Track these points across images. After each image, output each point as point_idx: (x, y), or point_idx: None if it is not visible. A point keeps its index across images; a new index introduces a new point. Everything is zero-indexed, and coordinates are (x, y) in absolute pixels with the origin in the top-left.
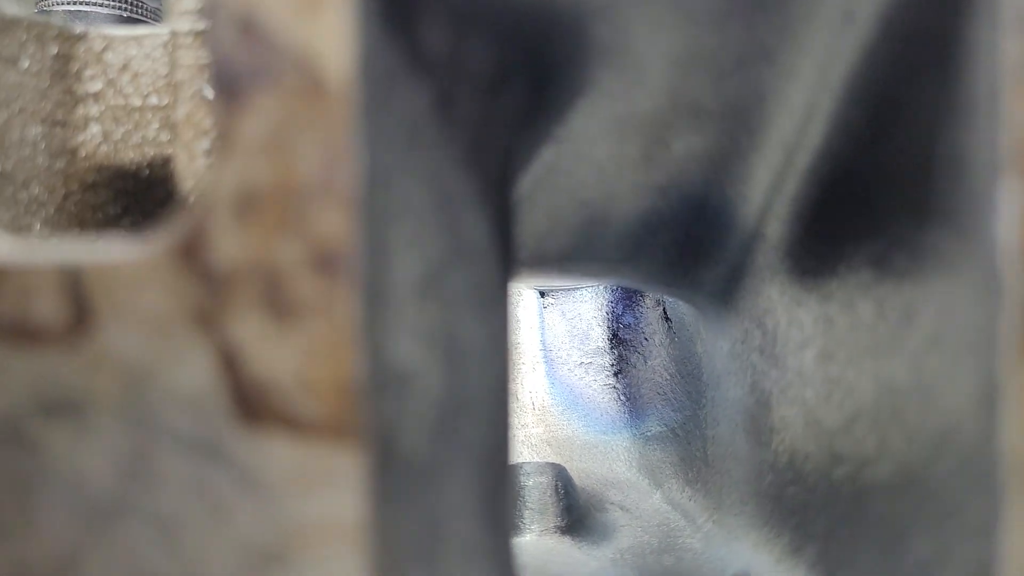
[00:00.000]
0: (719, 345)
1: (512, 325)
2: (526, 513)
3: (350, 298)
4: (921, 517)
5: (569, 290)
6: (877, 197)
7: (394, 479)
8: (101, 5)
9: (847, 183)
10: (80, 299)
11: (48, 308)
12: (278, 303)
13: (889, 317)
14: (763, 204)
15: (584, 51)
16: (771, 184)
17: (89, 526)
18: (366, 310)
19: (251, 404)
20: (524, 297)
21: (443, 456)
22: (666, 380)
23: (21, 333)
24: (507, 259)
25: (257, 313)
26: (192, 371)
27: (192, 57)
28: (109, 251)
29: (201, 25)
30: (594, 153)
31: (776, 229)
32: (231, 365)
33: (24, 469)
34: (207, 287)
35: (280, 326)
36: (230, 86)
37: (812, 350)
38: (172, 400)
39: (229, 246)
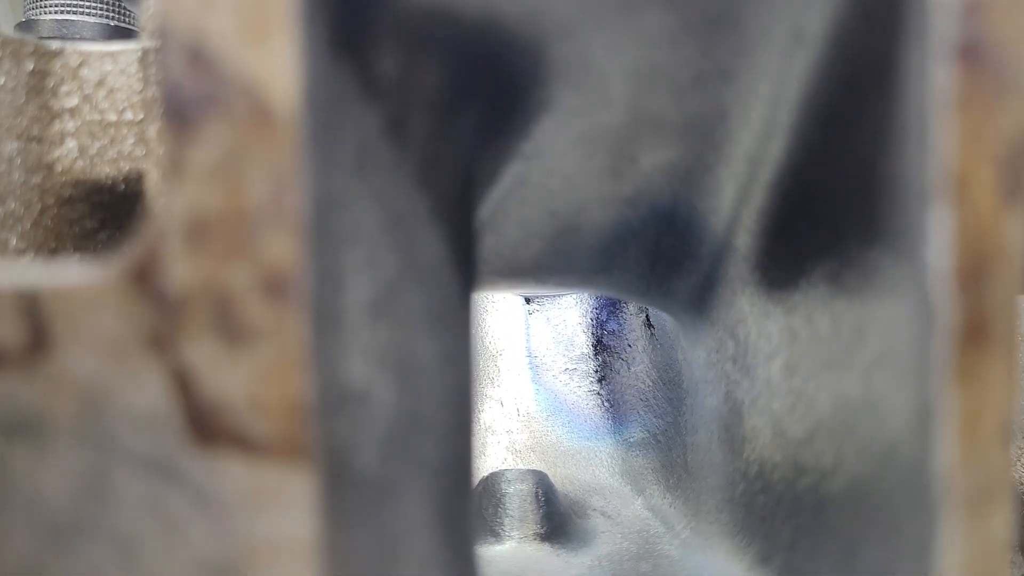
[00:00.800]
0: (696, 353)
1: (473, 339)
2: (506, 520)
3: (299, 321)
4: (871, 531)
5: (554, 297)
6: (831, 215)
7: (346, 498)
8: (88, 14)
9: (807, 199)
10: (38, 322)
11: (6, 331)
12: (230, 326)
13: (843, 333)
14: (731, 215)
15: (542, 70)
16: (738, 196)
17: (48, 544)
18: (316, 332)
19: (204, 425)
20: (509, 304)
21: (398, 473)
22: (648, 387)
23: None
24: (466, 275)
25: (209, 336)
26: (147, 393)
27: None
28: (66, 275)
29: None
30: (562, 166)
31: (745, 240)
32: (184, 387)
33: None
34: (160, 311)
35: (232, 349)
36: (179, 113)
37: (779, 361)
38: (128, 421)
39: (181, 271)
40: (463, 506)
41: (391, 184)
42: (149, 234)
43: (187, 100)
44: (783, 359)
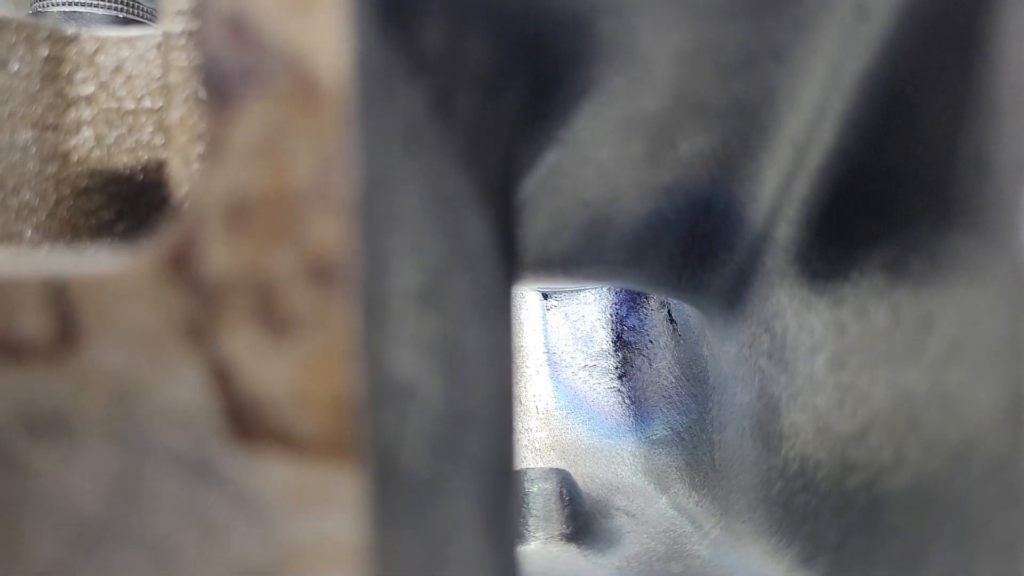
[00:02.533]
0: (726, 349)
1: (516, 330)
2: (530, 520)
3: (347, 309)
4: (942, 530)
5: (573, 292)
6: (892, 200)
7: (395, 498)
8: (96, 6)
9: (860, 184)
10: (65, 313)
11: (32, 322)
12: (272, 316)
13: (905, 324)
14: (772, 205)
15: (588, 49)
16: (780, 184)
17: (78, 549)
18: (364, 321)
19: (244, 421)
20: (527, 300)
21: (446, 471)
22: (671, 383)
23: (3, 349)
24: (510, 263)
25: (250, 326)
26: (183, 387)
27: (185, 59)
28: (95, 263)
29: (192, 25)
30: (598, 154)
31: (785, 231)
32: (223, 381)
33: (9, 491)
34: (197, 299)
35: (274, 340)
36: (220, 89)
37: (823, 356)
38: (162, 418)
39: (220, 256)
40: (507, 505)
41: (438, 165)
42: (186, 217)
43: (228, 74)
44: (828, 353)
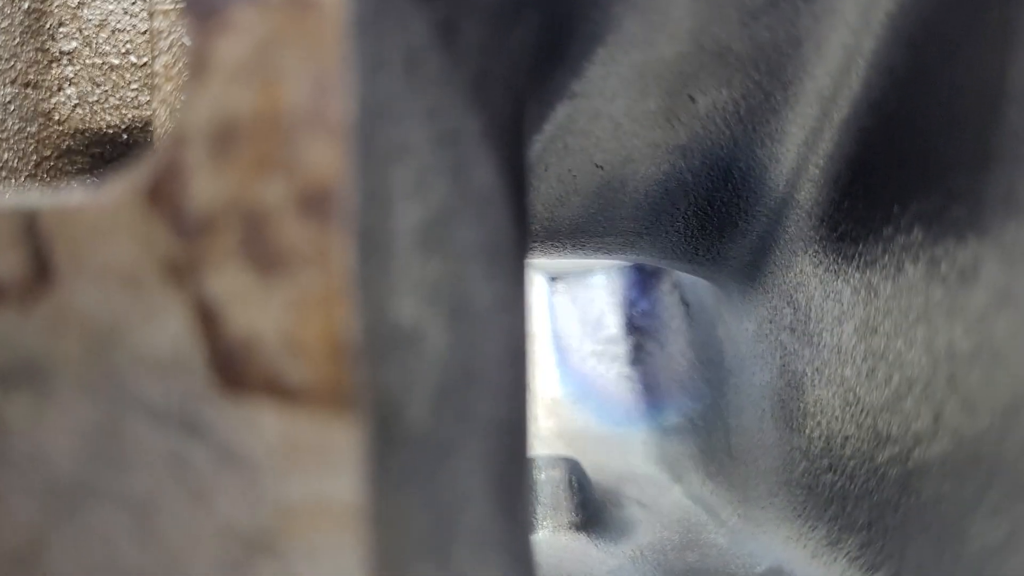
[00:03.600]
0: (743, 327)
1: (528, 286)
2: (539, 509)
3: (344, 245)
4: (987, 498)
5: (580, 275)
6: (929, 147)
7: (396, 456)
8: None
9: (892, 135)
10: (36, 250)
11: (2, 261)
12: (261, 252)
13: (945, 277)
14: (796, 165)
15: None
16: (805, 141)
17: (52, 510)
18: (362, 259)
19: (232, 369)
20: (533, 283)
21: (451, 430)
22: (684, 368)
23: None
24: (521, 211)
25: (237, 263)
26: (164, 331)
27: (172, 2)
28: (68, 196)
29: None
30: (611, 110)
31: (810, 193)
32: (208, 324)
33: None
34: (179, 234)
35: (264, 278)
36: (206, 1)
37: (851, 323)
38: (142, 365)
39: (204, 187)
40: (520, 473)
41: (442, 97)
42: (166, 143)
43: None
44: (858, 319)
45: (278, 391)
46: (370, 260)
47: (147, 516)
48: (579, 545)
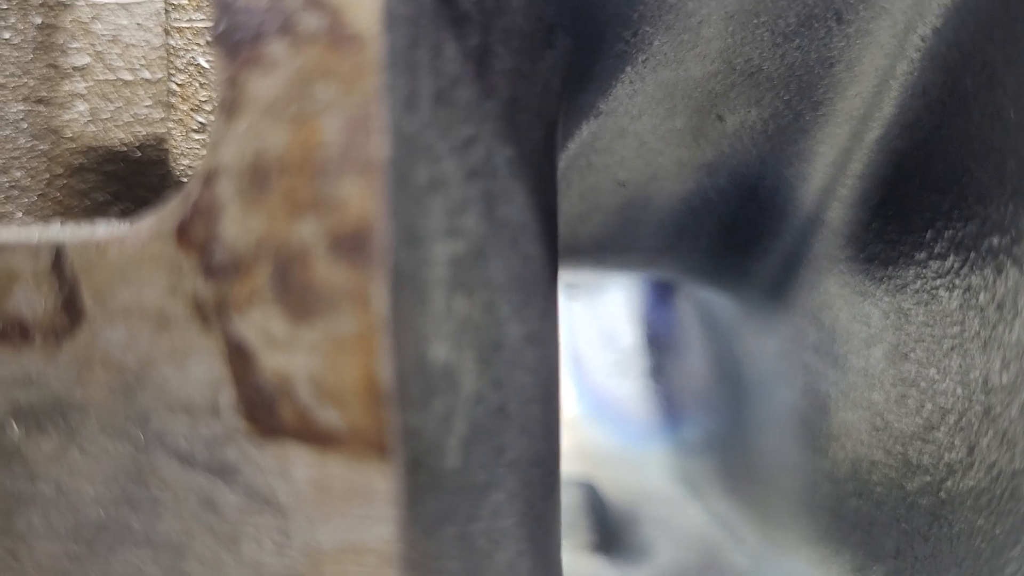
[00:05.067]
0: (765, 345)
1: (559, 317)
2: None
3: (379, 286)
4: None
5: (597, 287)
6: (965, 172)
7: (431, 500)
8: None
9: (924, 158)
10: (65, 289)
11: (28, 299)
12: (293, 293)
13: (982, 308)
14: (824, 185)
15: (635, 8)
16: (834, 162)
17: (77, 554)
18: (396, 300)
19: (263, 412)
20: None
21: (484, 471)
22: (703, 384)
23: None
24: (552, 239)
25: (269, 305)
26: (194, 371)
27: (188, 20)
28: (97, 233)
29: None
30: (637, 128)
31: (838, 213)
32: (239, 366)
33: (5, 487)
34: (209, 274)
35: (296, 320)
36: (237, 34)
37: (881, 347)
38: (170, 407)
39: (235, 226)
40: (551, 512)
41: (474, 127)
42: (196, 181)
43: (246, 18)
44: (888, 344)
45: (310, 435)
46: (404, 301)
47: (175, 560)
48: (596, 567)
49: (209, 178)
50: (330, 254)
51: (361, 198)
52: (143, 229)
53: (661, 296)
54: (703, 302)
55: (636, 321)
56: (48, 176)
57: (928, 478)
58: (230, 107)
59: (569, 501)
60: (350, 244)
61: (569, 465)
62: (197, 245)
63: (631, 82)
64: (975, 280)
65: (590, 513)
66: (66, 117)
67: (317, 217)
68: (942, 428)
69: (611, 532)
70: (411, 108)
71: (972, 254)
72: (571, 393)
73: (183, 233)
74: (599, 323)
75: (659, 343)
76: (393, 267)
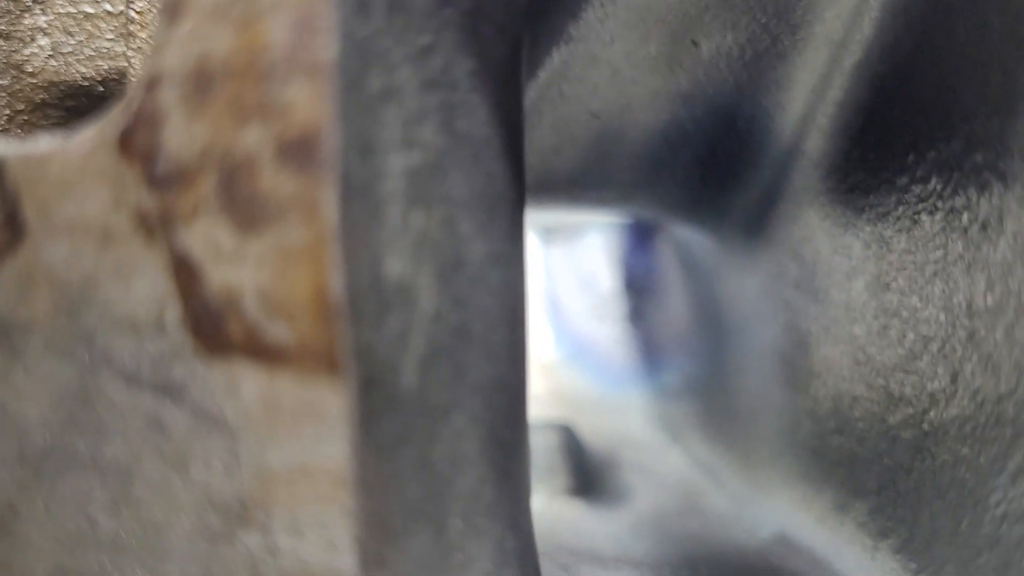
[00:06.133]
0: (745, 284)
1: (525, 240)
2: (533, 475)
3: (328, 195)
4: (1010, 462)
5: (574, 230)
6: (948, 91)
7: (387, 420)
8: None
9: (906, 79)
10: (6, 204)
11: None
12: (240, 203)
13: (965, 229)
14: (803, 114)
15: None
16: (813, 89)
17: (25, 477)
18: (347, 210)
19: (210, 328)
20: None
21: (442, 392)
22: (683, 327)
23: None
24: (517, 161)
25: (214, 216)
26: (139, 286)
27: None
28: (38, 147)
29: None
30: (610, 55)
31: (817, 143)
32: (184, 280)
33: None
34: (153, 185)
35: (243, 231)
36: None
37: (863, 279)
38: (116, 324)
39: (178, 134)
40: (517, 436)
41: (432, 36)
42: (138, 89)
43: None
44: (869, 275)
45: (258, 352)
46: (355, 211)
47: (122, 483)
48: (575, 511)
49: (151, 85)
50: (277, 161)
51: (309, 103)
52: (85, 140)
53: (640, 239)
54: (682, 244)
55: (615, 265)
56: (9, 112)
57: (911, 410)
58: (173, 9)
59: (547, 444)
60: (297, 151)
61: (547, 410)
62: (140, 155)
63: (601, 5)
64: (958, 201)
65: (568, 457)
66: (27, 52)
67: (263, 123)
68: (924, 357)
69: (589, 477)
70: (363, 11)
71: (955, 174)
72: (549, 338)
73: (125, 143)
74: (577, 267)
75: (638, 286)
76: (343, 175)
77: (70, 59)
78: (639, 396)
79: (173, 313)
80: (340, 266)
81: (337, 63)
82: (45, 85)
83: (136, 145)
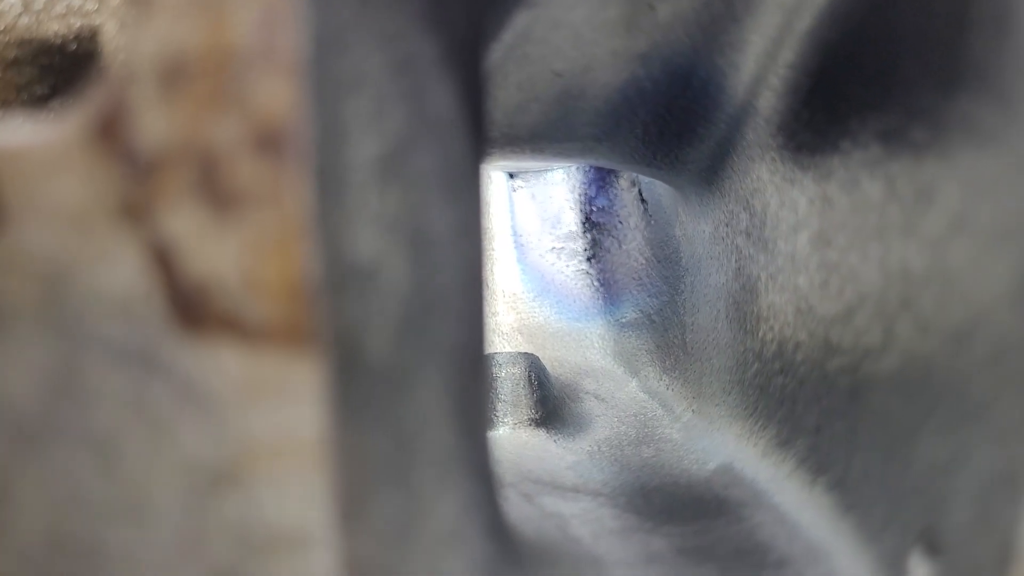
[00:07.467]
0: (700, 228)
1: (485, 209)
2: (499, 405)
3: (299, 182)
4: (934, 416)
5: (540, 172)
6: (891, 63)
7: (357, 388)
8: None
9: (854, 48)
10: None
11: None
12: (216, 190)
13: (902, 197)
14: (755, 74)
15: None
16: (766, 51)
17: (16, 449)
18: (319, 195)
19: (190, 307)
20: (493, 180)
21: (411, 359)
22: (642, 265)
23: None
24: (478, 134)
25: (192, 202)
26: (120, 271)
27: None
28: (19, 134)
29: None
30: (571, 18)
31: (769, 101)
32: (165, 263)
33: None
34: (132, 173)
35: (219, 217)
36: None
37: (806, 233)
38: (100, 305)
39: (155, 124)
40: (478, 394)
41: (397, 21)
42: (114, 80)
43: None
44: (812, 230)
45: (238, 329)
46: (327, 196)
47: (110, 452)
48: (538, 441)
49: (126, 77)
50: (252, 151)
51: (280, 95)
52: (63, 128)
53: (602, 180)
54: (643, 186)
55: (578, 203)
56: None
57: (846, 360)
58: (144, 5)
59: (513, 375)
60: (271, 141)
61: (512, 343)
62: (117, 144)
63: None
64: (896, 169)
65: (533, 390)
66: None
67: (237, 115)
68: (860, 313)
69: (553, 408)
70: (329, 4)
71: (894, 143)
72: (515, 272)
73: (103, 132)
74: (543, 206)
75: (600, 225)
76: (315, 163)
77: (42, 16)
78: (600, 329)
79: (155, 293)
80: (313, 249)
81: (305, 56)
82: (17, 42)
83: (113, 135)
